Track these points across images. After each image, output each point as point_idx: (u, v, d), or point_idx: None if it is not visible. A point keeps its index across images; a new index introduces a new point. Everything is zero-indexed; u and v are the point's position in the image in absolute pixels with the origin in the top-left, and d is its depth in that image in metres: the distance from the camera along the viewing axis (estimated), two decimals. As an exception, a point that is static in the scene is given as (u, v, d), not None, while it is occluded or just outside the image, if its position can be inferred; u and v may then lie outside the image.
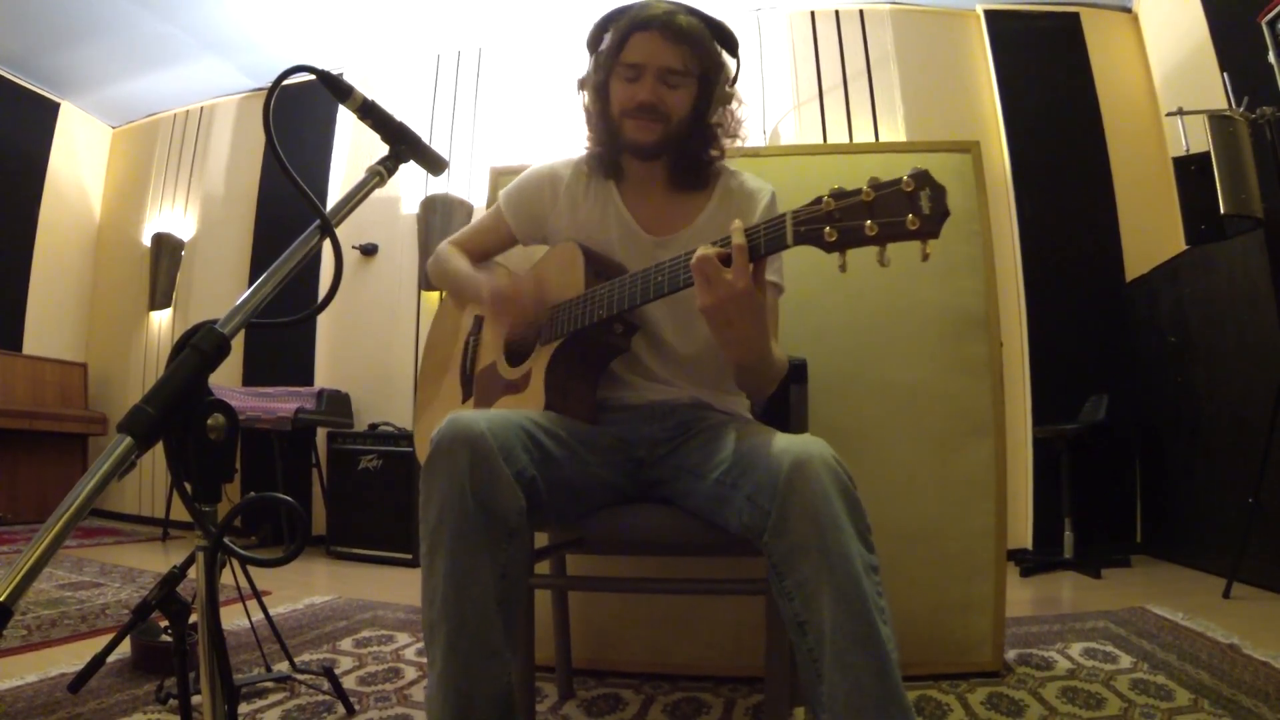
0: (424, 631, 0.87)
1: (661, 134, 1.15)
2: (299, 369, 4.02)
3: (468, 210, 3.96)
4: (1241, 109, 2.49)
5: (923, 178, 0.78)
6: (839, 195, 0.82)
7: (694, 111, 1.16)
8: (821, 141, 3.58)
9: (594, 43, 1.22)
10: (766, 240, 0.88)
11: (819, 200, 0.84)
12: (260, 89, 4.59)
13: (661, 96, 1.13)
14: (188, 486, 0.63)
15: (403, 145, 0.89)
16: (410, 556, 3.22)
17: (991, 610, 1.57)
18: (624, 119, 1.15)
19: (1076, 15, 3.56)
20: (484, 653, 0.84)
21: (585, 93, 1.23)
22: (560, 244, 1.22)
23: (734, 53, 1.20)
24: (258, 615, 1.50)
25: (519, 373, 1.19)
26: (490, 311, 1.19)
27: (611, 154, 1.21)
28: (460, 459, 0.87)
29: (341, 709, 1.37)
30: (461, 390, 1.33)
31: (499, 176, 1.81)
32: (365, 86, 3.51)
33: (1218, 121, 2.46)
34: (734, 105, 1.21)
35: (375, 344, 4.04)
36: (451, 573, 0.85)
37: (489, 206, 1.78)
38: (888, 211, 0.79)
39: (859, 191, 0.81)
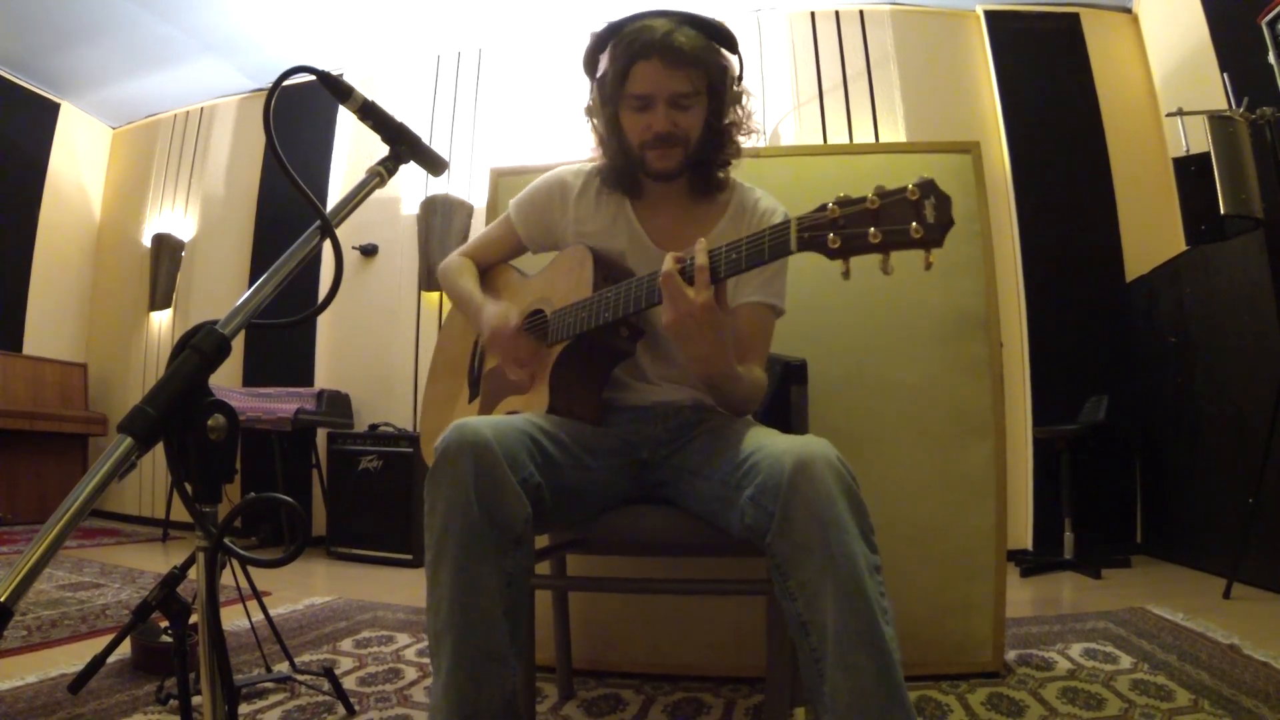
0: (429, 639, 0.87)
1: (681, 158, 1.15)
2: (299, 369, 4.02)
3: (468, 211, 3.96)
4: (1241, 109, 2.49)
5: (928, 187, 0.77)
6: (844, 203, 0.82)
7: (707, 125, 1.15)
8: (822, 142, 3.58)
9: (590, 66, 1.19)
10: (771, 246, 0.88)
11: (824, 207, 0.84)
12: (260, 89, 4.59)
13: (676, 121, 1.12)
14: (188, 487, 0.63)
15: (403, 145, 0.89)
16: (410, 557, 3.22)
17: (992, 610, 1.57)
18: (644, 150, 1.14)
19: (1076, 15, 3.56)
20: (489, 660, 0.84)
21: (595, 120, 1.21)
22: (570, 247, 1.22)
23: (734, 50, 1.18)
24: (258, 616, 1.50)
25: (524, 374, 1.19)
26: (486, 344, 1.22)
27: (629, 176, 1.20)
28: (465, 467, 0.87)
29: (342, 709, 1.37)
30: (468, 390, 1.34)
31: (499, 177, 1.81)
32: (365, 87, 3.52)
33: (1218, 122, 2.46)
34: (743, 101, 1.20)
35: (375, 345, 4.04)
36: (457, 581, 0.85)
37: (489, 208, 1.80)
38: (892, 219, 0.79)
39: (864, 199, 0.81)
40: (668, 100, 1.10)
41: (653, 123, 1.11)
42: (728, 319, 0.97)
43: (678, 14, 1.12)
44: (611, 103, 1.14)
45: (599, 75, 1.17)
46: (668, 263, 0.94)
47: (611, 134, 1.17)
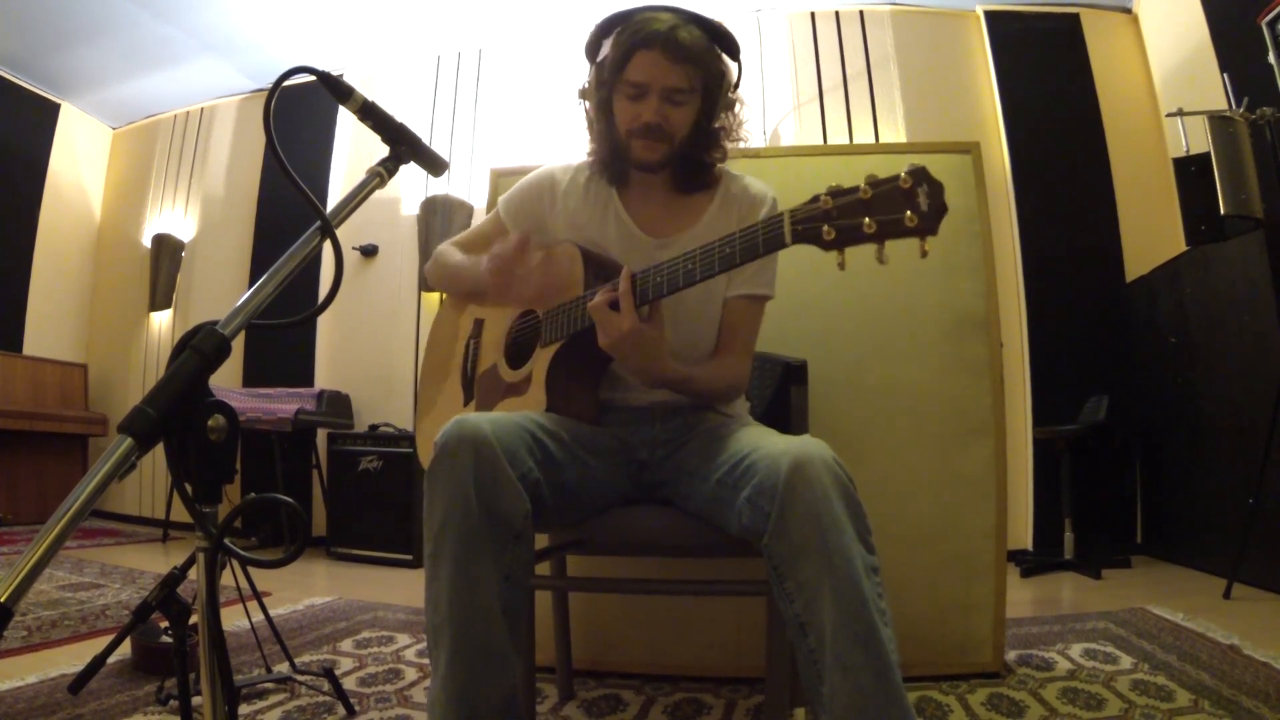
0: (428, 636, 0.87)
1: (666, 152, 1.15)
2: (299, 370, 4.02)
3: (468, 211, 3.96)
4: (1241, 110, 2.49)
5: (920, 174, 0.78)
6: (837, 193, 0.82)
7: (697, 124, 1.16)
8: (822, 142, 3.58)
9: (593, 50, 1.20)
10: (765, 240, 0.89)
11: (817, 198, 0.84)
12: (260, 90, 4.59)
13: (666, 115, 1.12)
14: (188, 487, 0.63)
15: (403, 146, 0.89)
16: (410, 557, 3.22)
17: (992, 611, 1.57)
18: (630, 138, 1.15)
19: (1076, 15, 3.56)
20: (488, 657, 0.84)
21: (587, 103, 1.22)
22: (559, 245, 1.22)
23: (735, 56, 1.19)
24: (258, 616, 1.50)
25: (520, 375, 1.19)
26: (492, 282, 1.19)
27: (616, 164, 1.20)
28: (464, 462, 0.87)
29: (342, 710, 1.37)
30: (463, 393, 1.33)
31: (499, 178, 1.81)
32: (365, 87, 3.52)
33: (1218, 122, 2.46)
34: (736, 108, 1.21)
35: (375, 345, 4.04)
36: (456, 577, 0.85)
37: (489, 208, 1.79)
38: (885, 209, 0.79)
39: (857, 189, 0.81)
40: (661, 93, 1.11)
41: (642, 112, 1.12)
42: (658, 333, 1.03)
43: (685, 12, 1.13)
44: (607, 86, 1.15)
45: (599, 60, 1.18)
46: (599, 296, 1.02)
47: (601, 117, 1.18)
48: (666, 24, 1.09)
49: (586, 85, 1.22)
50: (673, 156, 1.16)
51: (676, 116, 1.13)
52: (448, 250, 1.36)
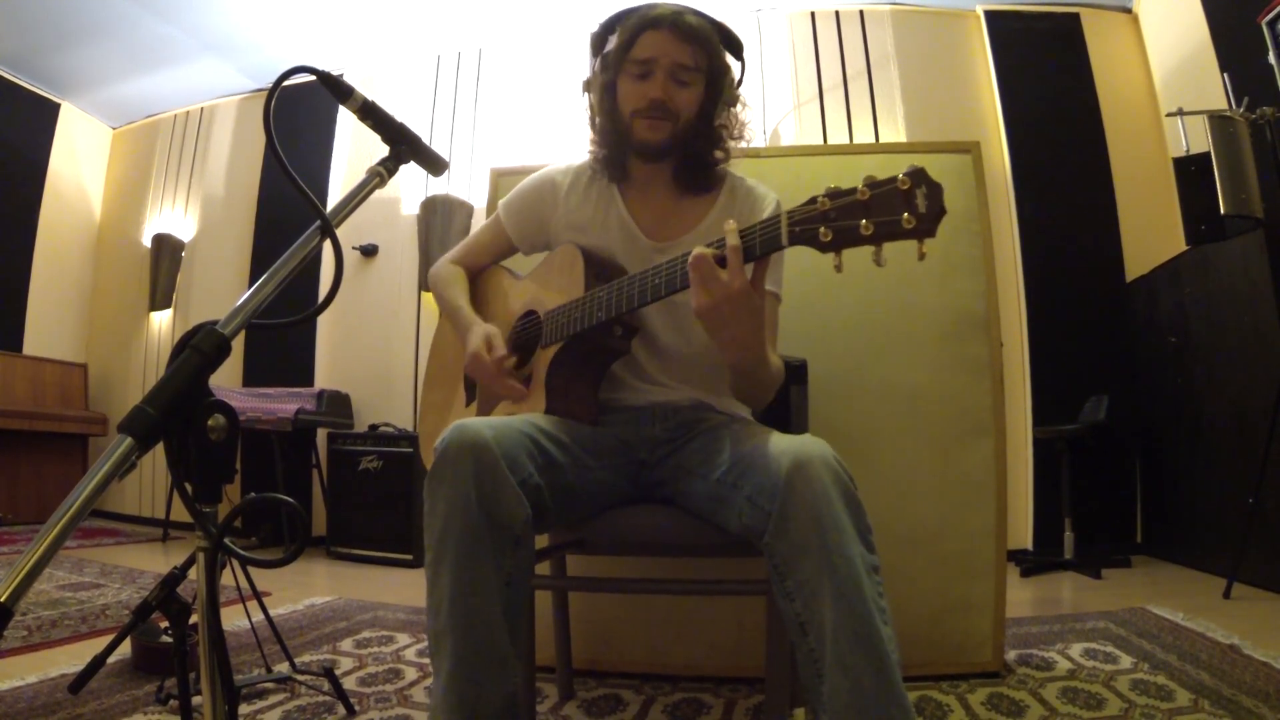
0: (429, 640, 0.87)
1: (670, 133, 1.15)
2: (299, 370, 4.02)
3: (468, 211, 3.96)
4: (1241, 109, 2.49)
5: (918, 176, 0.77)
6: (834, 195, 0.82)
7: (701, 112, 1.16)
8: (822, 142, 3.58)
9: (599, 44, 1.21)
10: (762, 241, 0.88)
11: (814, 200, 0.83)
12: (260, 90, 4.59)
13: (671, 94, 1.13)
14: (188, 487, 0.63)
15: (403, 146, 0.89)
16: (410, 557, 3.22)
17: (992, 611, 1.57)
18: (634, 118, 1.15)
19: (1076, 15, 3.56)
20: (490, 661, 0.84)
21: (590, 94, 1.23)
22: (561, 246, 1.22)
23: (739, 55, 1.20)
24: (258, 616, 1.50)
25: (520, 376, 1.19)
26: (466, 369, 1.21)
27: (618, 156, 1.21)
28: (465, 468, 0.87)
29: (342, 710, 1.37)
30: (465, 394, 1.34)
31: (499, 177, 1.81)
32: (365, 87, 3.52)
33: (1218, 122, 2.46)
34: (738, 108, 1.21)
35: (375, 345, 4.04)
36: (457, 582, 0.85)
37: (489, 208, 1.80)
38: (883, 210, 0.78)
39: (854, 190, 0.80)
40: (669, 70, 1.12)
41: (649, 89, 1.13)
42: (760, 301, 0.92)
43: (689, 8, 1.15)
44: (612, 69, 1.17)
45: (604, 51, 1.20)
46: (698, 250, 0.89)
47: (604, 103, 1.19)
48: (672, 9, 1.13)
49: (590, 76, 1.22)
50: (676, 141, 1.16)
51: (681, 97, 1.14)
52: (447, 277, 1.34)
